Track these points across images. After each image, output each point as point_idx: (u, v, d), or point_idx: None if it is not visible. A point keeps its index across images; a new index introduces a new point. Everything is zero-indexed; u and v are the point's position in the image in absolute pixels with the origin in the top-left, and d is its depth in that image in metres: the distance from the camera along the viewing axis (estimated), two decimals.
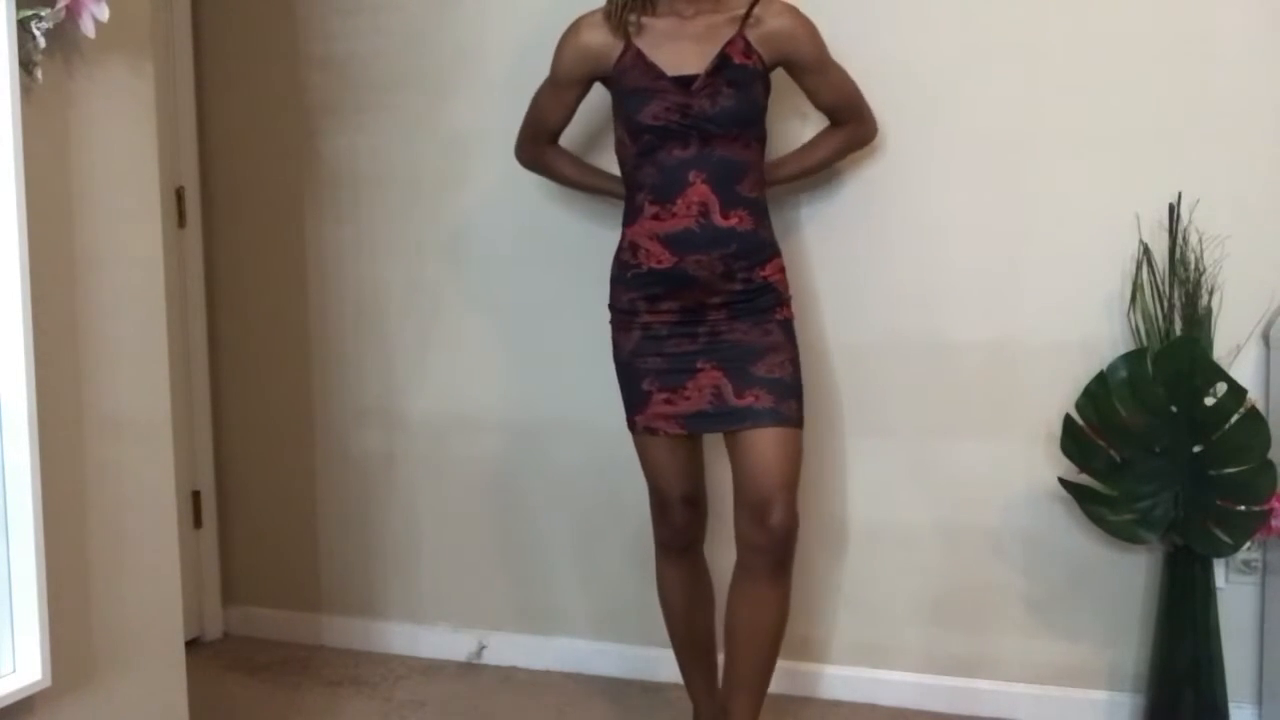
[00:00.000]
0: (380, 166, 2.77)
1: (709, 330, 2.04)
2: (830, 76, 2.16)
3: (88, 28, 1.48)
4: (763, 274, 2.05)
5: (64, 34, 1.49)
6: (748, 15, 2.03)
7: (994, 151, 2.34)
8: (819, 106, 2.22)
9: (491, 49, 2.66)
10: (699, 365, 2.03)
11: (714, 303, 2.03)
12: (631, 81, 2.04)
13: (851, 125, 2.26)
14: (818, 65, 2.13)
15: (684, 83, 2.00)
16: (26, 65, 1.44)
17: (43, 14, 1.43)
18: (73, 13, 1.46)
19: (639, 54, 2.03)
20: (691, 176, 2.00)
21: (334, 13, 2.77)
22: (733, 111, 2.00)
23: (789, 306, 2.10)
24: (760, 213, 2.07)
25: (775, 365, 2.03)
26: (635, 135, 2.04)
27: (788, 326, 2.09)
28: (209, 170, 2.93)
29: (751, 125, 2.04)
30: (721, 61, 2.00)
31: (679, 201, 2.00)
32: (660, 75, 2.01)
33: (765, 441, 1.99)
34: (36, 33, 1.43)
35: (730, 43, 2.01)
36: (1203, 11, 2.20)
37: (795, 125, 2.39)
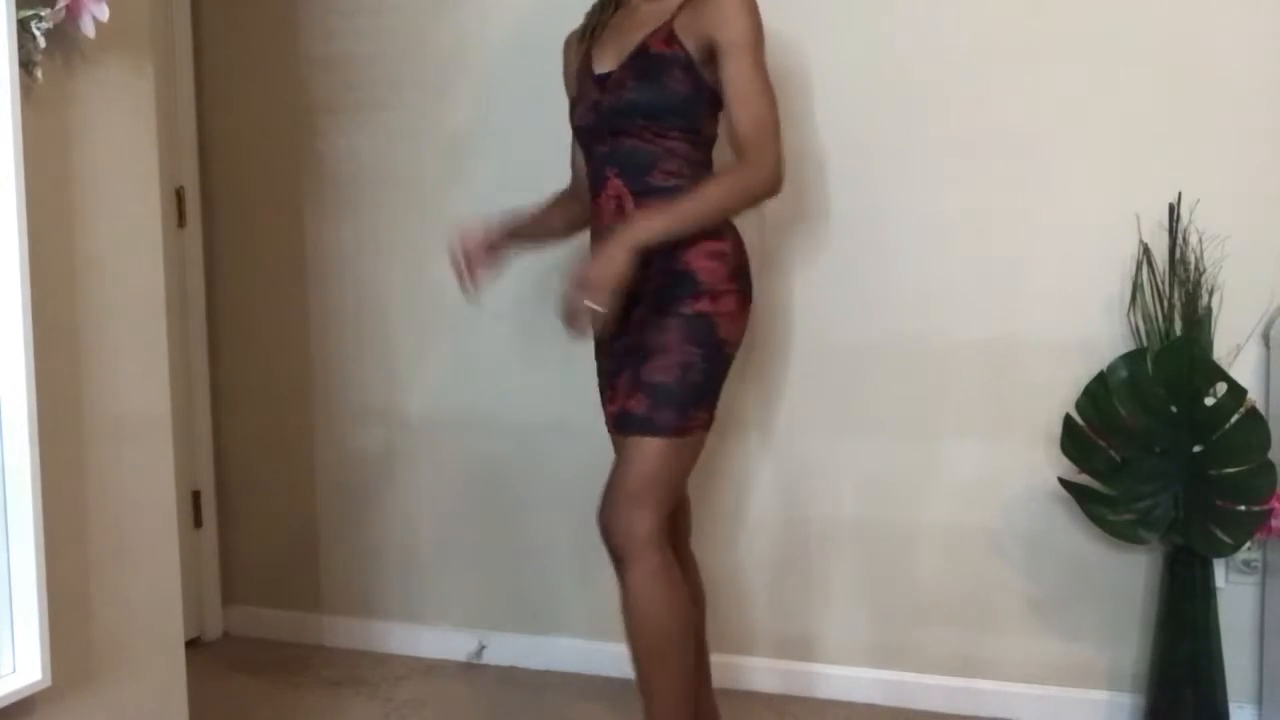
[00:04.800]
0: (380, 166, 2.77)
1: (631, 328, 1.96)
2: (739, 82, 1.86)
3: (88, 28, 1.48)
4: (684, 260, 1.91)
5: (64, 34, 1.49)
6: (686, 1, 1.91)
7: (994, 151, 2.34)
8: (726, 126, 1.93)
9: (491, 49, 2.66)
10: (623, 364, 1.97)
11: (638, 296, 1.94)
12: (574, 86, 2.04)
13: (743, 164, 1.87)
14: (730, 54, 1.85)
15: (603, 79, 1.97)
16: (26, 65, 1.44)
17: (43, 14, 1.43)
18: (73, 13, 1.46)
19: (586, 55, 2.03)
20: (608, 171, 1.96)
21: (334, 13, 2.78)
22: (634, 104, 1.91)
23: (709, 299, 1.91)
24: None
25: (660, 368, 1.89)
26: (576, 138, 2.05)
27: (695, 322, 1.90)
28: (209, 170, 2.93)
29: (663, 116, 1.90)
30: (638, 52, 1.94)
31: (602, 197, 1.98)
32: (589, 74, 1.99)
33: (629, 449, 1.90)
34: (36, 33, 1.43)
35: (654, 32, 1.92)
36: (1203, 11, 2.21)
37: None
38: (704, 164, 1.99)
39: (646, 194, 1.94)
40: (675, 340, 1.90)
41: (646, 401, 1.90)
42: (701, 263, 1.91)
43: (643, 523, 1.89)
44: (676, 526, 2.15)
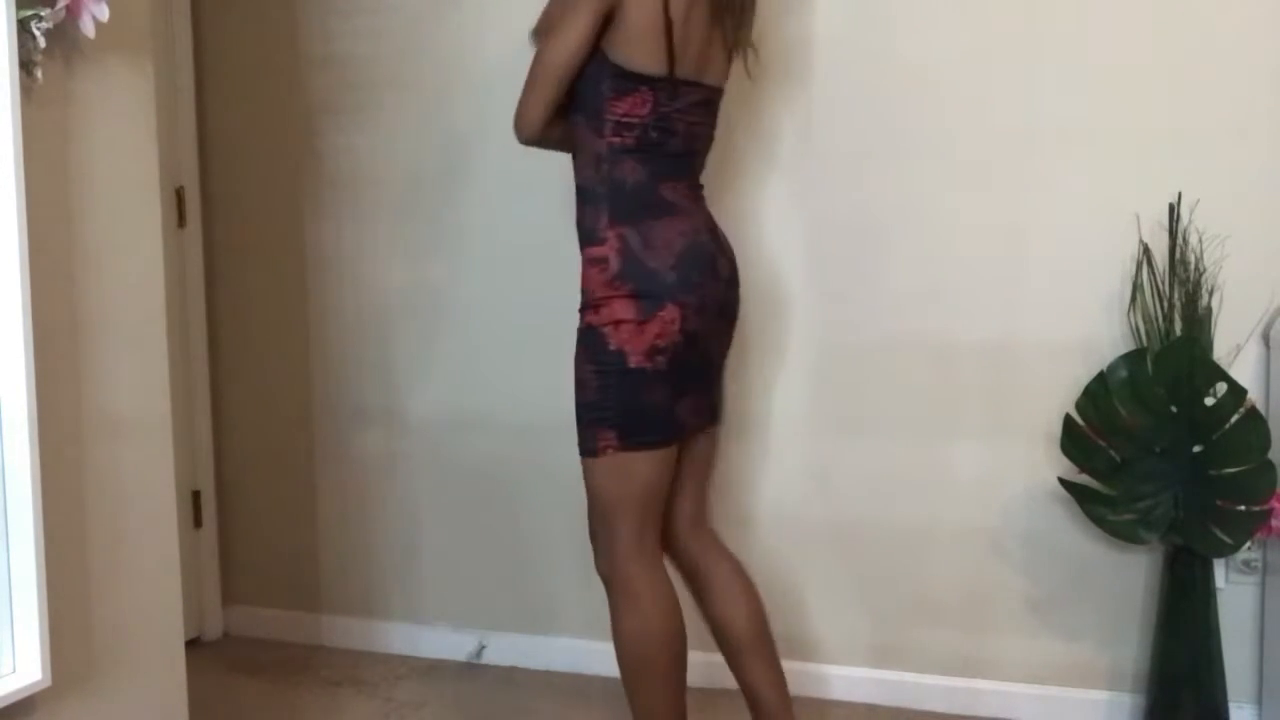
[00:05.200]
0: (380, 166, 2.77)
1: None
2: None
3: (88, 28, 1.48)
4: (581, 269, 1.87)
5: (64, 34, 1.49)
6: None
7: (994, 151, 2.34)
8: None
9: (491, 49, 2.65)
10: None
11: None
12: None
13: None
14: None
15: None
16: (26, 65, 1.43)
17: (43, 14, 1.43)
18: (73, 13, 1.46)
19: None
20: None
21: (333, 13, 2.77)
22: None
23: (593, 310, 1.83)
24: (585, 198, 1.85)
25: (576, 387, 1.87)
26: None
27: (584, 337, 1.85)
28: (209, 170, 2.93)
29: (571, 99, 1.82)
30: None
31: None
32: None
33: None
34: (36, 33, 1.43)
35: None
36: (1203, 12, 2.21)
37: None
38: (621, 153, 1.80)
39: (578, 192, 1.89)
40: (577, 358, 1.87)
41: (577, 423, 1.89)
42: (583, 271, 1.85)
43: (613, 541, 1.90)
44: (674, 524, 2.09)
